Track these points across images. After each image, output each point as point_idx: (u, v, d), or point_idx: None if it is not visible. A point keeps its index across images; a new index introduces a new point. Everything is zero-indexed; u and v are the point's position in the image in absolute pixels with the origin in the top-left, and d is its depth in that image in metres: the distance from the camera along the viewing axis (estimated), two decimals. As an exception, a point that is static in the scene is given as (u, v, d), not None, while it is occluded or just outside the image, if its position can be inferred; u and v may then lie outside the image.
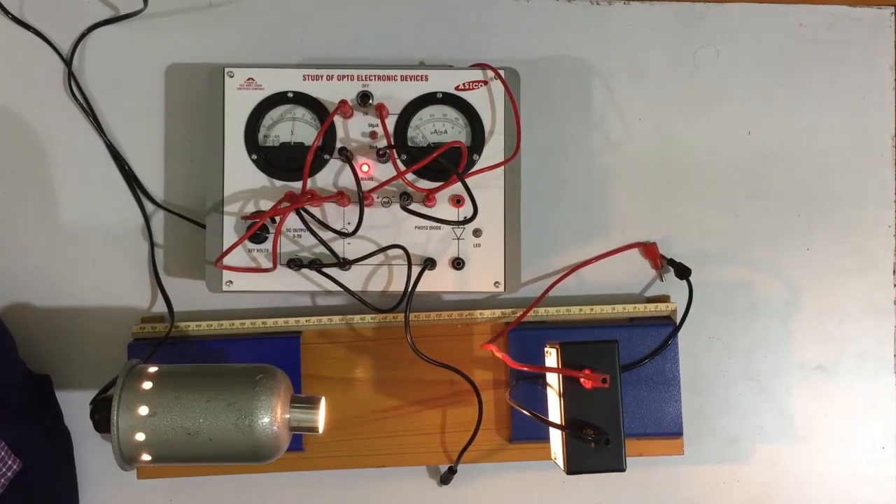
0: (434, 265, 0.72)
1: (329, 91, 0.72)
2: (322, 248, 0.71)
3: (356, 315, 0.76)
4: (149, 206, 0.78)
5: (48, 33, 0.78)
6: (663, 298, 0.78)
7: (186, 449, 0.62)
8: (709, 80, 0.81)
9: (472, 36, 0.80)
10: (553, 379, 0.66)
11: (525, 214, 0.74)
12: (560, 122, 0.80)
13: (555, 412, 0.66)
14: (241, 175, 0.72)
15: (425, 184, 0.72)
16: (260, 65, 0.73)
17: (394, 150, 0.71)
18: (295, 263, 0.71)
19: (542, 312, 0.76)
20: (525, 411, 0.67)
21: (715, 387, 0.79)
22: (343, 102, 0.70)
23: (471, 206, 0.70)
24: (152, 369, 0.64)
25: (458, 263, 0.72)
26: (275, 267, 0.70)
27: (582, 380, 0.62)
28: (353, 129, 0.72)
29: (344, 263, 0.71)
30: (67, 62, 0.78)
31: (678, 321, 0.75)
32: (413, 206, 0.71)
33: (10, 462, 0.67)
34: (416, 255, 0.72)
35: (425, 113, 0.72)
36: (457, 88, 0.72)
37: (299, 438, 0.73)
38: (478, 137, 0.72)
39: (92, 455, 0.77)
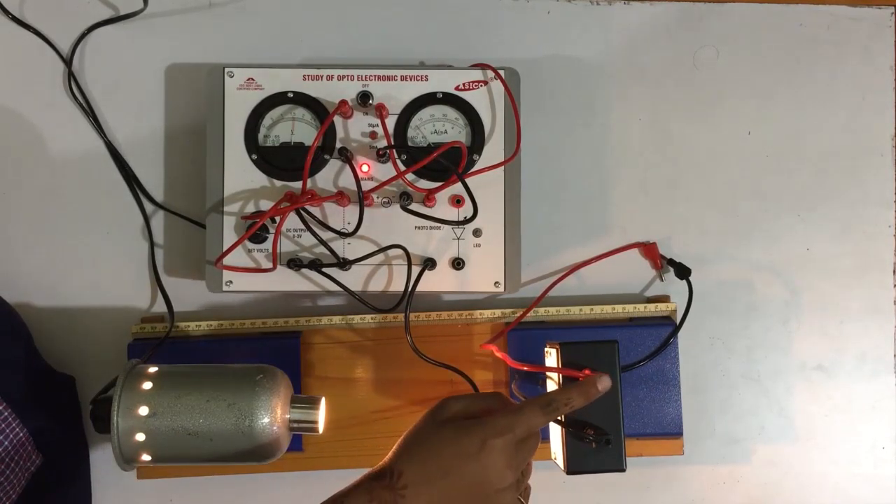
0: (434, 265, 0.72)
1: (329, 91, 0.72)
2: (322, 248, 0.71)
3: (356, 315, 0.76)
4: (149, 206, 0.78)
5: (48, 33, 0.78)
6: (663, 298, 0.78)
7: (186, 449, 0.62)
8: (709, 80, 0.81)
9: (472, 36, 0.80)
10: (553, 379, 0.66)
11: (525, 214, 0.74)
12: (560, 122, 0.80)
13: (555, 412, 0.66)
14: (241, 175, 0.72)
15: (425, 184, 0.72)
16: (260, 65, 0.73)
17: (394, 150, 0.71)
18: (295, 263, 0.71)
19: (542, 312, 0.76)
20: (525, 411, 0.67)
21: (715, 387, 0.79)
22: (343, 102, 0.70)
23: (471, 206, 0.70)
24: (152, 369, 0.64)
25: (458, 263, 0.72)
26: (275, 267, 0.70)
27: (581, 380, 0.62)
28: (353, 129, 0.72)
29: (344, 263, 0.71)
30: (67, 62, 0.78)
31: (678, 321, 0.75)
32: (413, 206, 0.71)
33: (33, 457, 0.68)
34: (416, 255, 0.72)
35: (425, 113, 0.72)
36: (457, 88, 0.72)
37: (299, 438, 0.73)
38: (478, 137, 0.72)
39: (91, 454, 0.77)
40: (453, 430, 0.58)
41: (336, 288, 0.72)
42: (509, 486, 0.58)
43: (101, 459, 0.76)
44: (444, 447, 0.57)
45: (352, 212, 0.72)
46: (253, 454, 0.63)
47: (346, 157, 0.70)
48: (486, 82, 0.72)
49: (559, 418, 0.62)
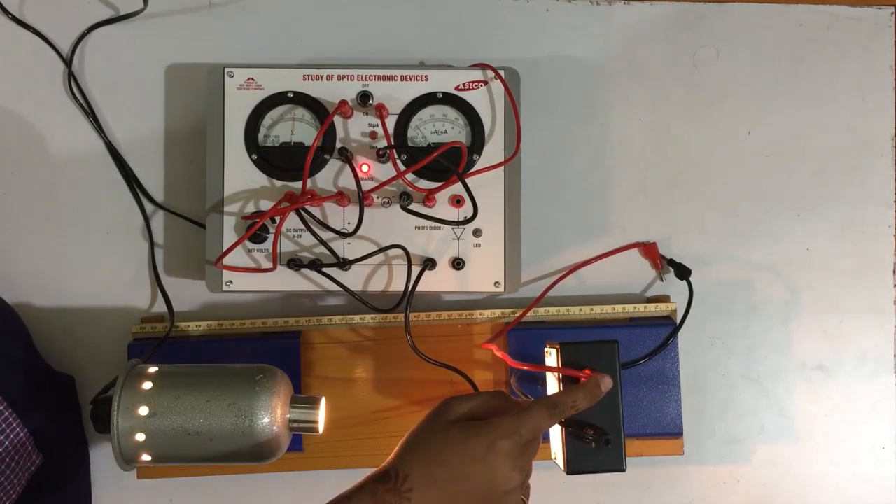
0: (434, 265, 0.72)
1: (329, 91, 0.72)
2: (322, 248, 0.71)
3: (356, 315, 0.76)
4: (149, 206, 0.78)
5: (48, 33, 0.78)
6: (663, 298, 0.78)
7: (186, 449, 0.62)
8: (709, 80, 0.81)
9: (472, 36, 0.80)
10: (553, 379, 0.66)
11: (525, 214, 0.74)
12: (560, 122, 0.80)
13: (555, 412, 0.66)
14: (241, 175, 0.72)
15: (425, 184, 0.72)
16: (260, 65, 0.73)
17: (394, 150, 0.71)
18: (295, 263, 0.71)
19: (542, 312, 0.76)
20: (525, 411, 0.67)
21: (715, 387, 0.79)
22: (343, 102, 0.70)
23: (471, 206, 0.70)
24: (152, 369, 0.64)
25: (458, 263, 0.72)
26: (275, 267, 0.70)
27: (582, 380, 0.62)
28: (353, 129, 0.72)
29: (344, 263, 0.71)
30: (67, 62, 0.78)
31: (678, 321, 0.75)
32: (413, 206, 0.71)
33: (33, 457, 0.68)
34: (416, 255, 0.72)
35: (425, 113, 0.72)
36: (457, 88, 0.72)
37: (299, 438, 0.73)
38: (478, 137, 0.72)
39: (91, 454, 0.77)
40: (460, 432, 0.57)
41: (336, 288, 0.72)
42: (515, 488, 0.58)
43: (101, 459, 0.76)
44: (450, 449, 0.57)
45: (352, 212, 0.72)
46: (253, 454, 0.63)
47: (346, 157, 0.70)
48: (486, 82, 0.72)
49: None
